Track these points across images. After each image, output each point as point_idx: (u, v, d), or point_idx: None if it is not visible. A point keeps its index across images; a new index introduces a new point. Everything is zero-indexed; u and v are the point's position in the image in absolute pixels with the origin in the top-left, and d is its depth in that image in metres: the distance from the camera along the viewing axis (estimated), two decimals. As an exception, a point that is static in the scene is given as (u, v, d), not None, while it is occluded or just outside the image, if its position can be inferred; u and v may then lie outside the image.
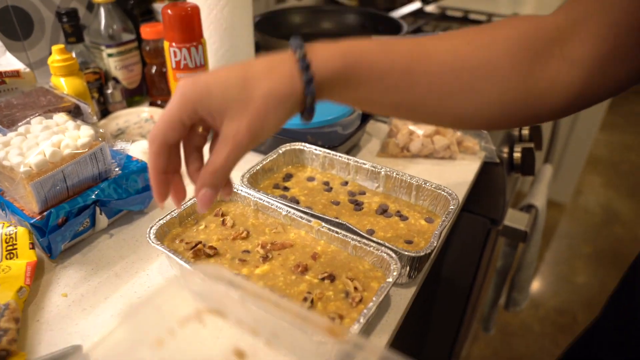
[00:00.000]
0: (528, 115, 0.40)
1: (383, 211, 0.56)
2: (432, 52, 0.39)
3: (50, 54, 0.80)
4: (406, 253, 0.46)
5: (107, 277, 0.52)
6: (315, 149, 0.63)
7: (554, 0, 1.91)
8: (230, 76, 0.35)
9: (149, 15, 0.88)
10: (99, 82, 0.80)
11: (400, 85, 0.38)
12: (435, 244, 0.47)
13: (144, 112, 0.81)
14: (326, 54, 0.37)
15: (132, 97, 0.87)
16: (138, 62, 0.86)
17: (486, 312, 1.22)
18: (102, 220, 0.56)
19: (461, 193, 0.67)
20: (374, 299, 0.41)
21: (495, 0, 1.59)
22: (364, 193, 0.59)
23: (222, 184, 0.38)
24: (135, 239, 0.57)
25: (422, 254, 0.46)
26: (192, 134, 0.39)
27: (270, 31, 1.03)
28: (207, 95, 0.35)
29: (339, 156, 0.62)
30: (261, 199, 0.54)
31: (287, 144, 0.63)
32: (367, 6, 1.41)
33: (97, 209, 0.55)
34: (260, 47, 1.00)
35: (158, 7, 0.87)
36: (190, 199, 0.54)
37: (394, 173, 0.58)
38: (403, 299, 0.49)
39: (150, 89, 0.85)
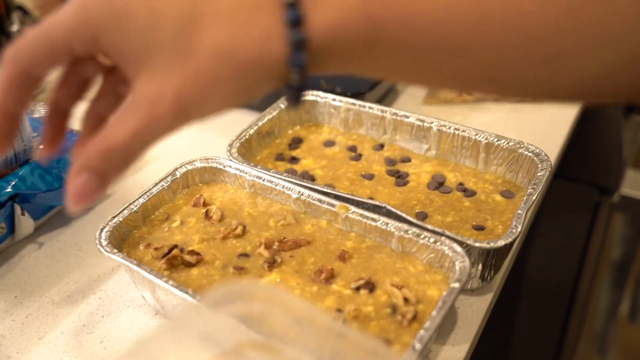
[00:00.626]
0: None
1: (439, 185, 0.58)
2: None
3: None
4: (477, 245, 0.48)
5: (39, 307, 0.54)
6: (334, 99, 0.65)
7: None
8: (170, 4, 0.32)
9: None
10: None
11: (466, 47, 0.35)
12: (519, 229, 0.49)
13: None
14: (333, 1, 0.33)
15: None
16: None
17: (600, 326, 1.25)
18: (26, 223, 0.58)
19: (554, 152, 0.69)
20: (433, 313, 0.43)
21: None
22: (408, 160, 0.62)
23: (117, 174, 0.34)
24: (77, 247, 0.60)
25: (500, 244, 0.48)
26: (83, 66, 0.37)
27: None
28: (124, 23, 0.32)
29: (369, 107, 0.64)
30: (260, 178, 0.56)
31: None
32: None
33: (17, 208, 0.57)
34: None
35: None
36: (159, 182, 0.56)
37: (452, 128, 0.60)
38: (476, 311, 0.52)
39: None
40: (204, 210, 0.56)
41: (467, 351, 0.50)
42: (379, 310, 0.47)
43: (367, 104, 0.64)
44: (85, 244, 0.60)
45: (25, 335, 0.52)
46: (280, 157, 0.63)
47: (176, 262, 0.51)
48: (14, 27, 0.83)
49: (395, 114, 0.62)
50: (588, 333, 1.31)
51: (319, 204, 0.54)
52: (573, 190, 0.89)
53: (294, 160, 0.63)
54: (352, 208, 0.52)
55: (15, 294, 0.56)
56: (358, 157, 0.62)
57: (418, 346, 0.41)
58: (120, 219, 0.52)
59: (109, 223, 0.52)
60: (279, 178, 0.56)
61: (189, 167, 0.58)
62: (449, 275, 0.48)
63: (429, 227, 0.50)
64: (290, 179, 0.56)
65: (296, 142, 0.65)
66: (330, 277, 0.49)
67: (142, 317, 0.53)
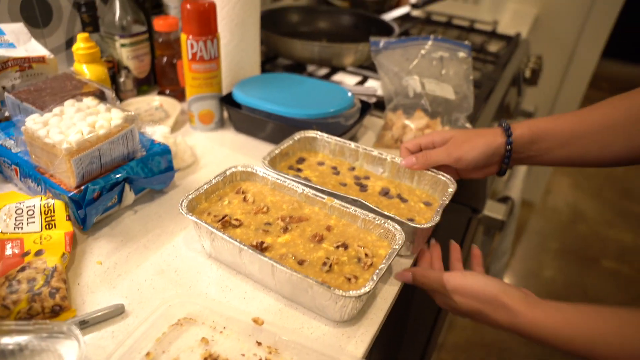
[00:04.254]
0: None
1: (385, 193, 0.62)
2: (589, 120, 0.55)
3: (65, 42, 0.84)
4: (412, 225, 0.52)
5: (136, 248, 0.57)
6: (327, 137, 0.69)
7: (530, 9, 2.02)
8: None
9: (159, 9, 0.93)
10: (112, 70, 0.85)
11: (570, 143, 0.56)
12: (437, 219, 0.54)
13: (155, 101, 0.86)
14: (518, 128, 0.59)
15: (141, 87, 0.92)
16: (148, 53, 0.90)
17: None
18: (129, 196, 0.61)
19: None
20: (384, 262, 0.48)
21: (476, 8, 1.67)
22: (368, 177, 0.66)
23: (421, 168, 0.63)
24: (158, 215, 0.62)
25: (426, 226, 0.53)
26: None
27: (271, 28, 1.09)
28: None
29: (349, 144, 0.68)
30: (278, 179, 0.60)
31: (302, 132, 0.70)
32: (357, 8, 1.48)
33: (127, 186, 0.60)
34: (262, 42, 1.05)
35: (168, 0, 0.92)
36: (215, 177, 0.59)
37: (399, 159, 0.64)
38: (405, 266, 0.56)
39: (159, 79, 0.90)
40: (243, 196, 0.59)
41: (399, 287, 0.54)
42: (350, 260, 0.51)
43: (348, 142, 0.68)
44: (163, 213, 0.63)
45: (129, 264, 0.55)
46: (291, 168, 0.66)
47: (226, 225, 0.54)
48: (122, 79, 0.86)
49: (365, 148, 0.67)
50: None
51: (314, 197, 0.58)
52: (456, 208, 0.93)
53: (299, 170, 0.66)
54: (335, 200, 0.57)
55: (122, 239, 0.58)
56: (337, 173, 0.66)
57: (375, 278, 0.46)
58: (192, 196, 0.55)
59: (187, 197, 0.55)
60: (289, 179, 0.60)
61: (234, 169, 0.61)
62: (392, 243, 0.52)
63: (385, 213, 0.54)
64: (297, 180, 0.60)
65: (301, 161, 0.68)
66: (321, 239, 0.53)
67: (200, 258, 0.56)
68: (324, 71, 1.10)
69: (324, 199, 0.57)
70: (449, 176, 0.61)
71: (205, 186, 0.57)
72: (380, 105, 0.90)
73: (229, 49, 0.85)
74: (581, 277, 2.18)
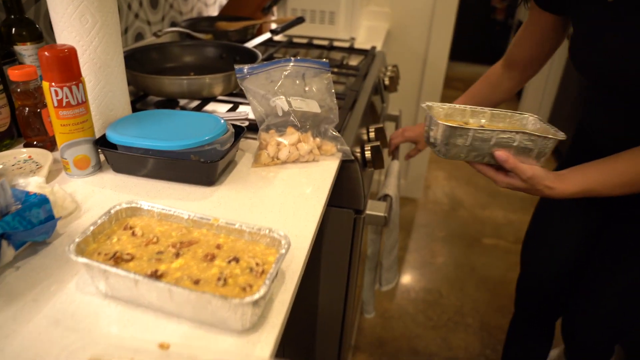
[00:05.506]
0: None
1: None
2: (623, 170, 0.82)
3: None
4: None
5: (23, 305, 0.55)
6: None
7: (382, 24, 2.23)
8: None
9: (12, 57, 0.91)
10: (-32, 129, 0.81)
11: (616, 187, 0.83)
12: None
13: (22, 154, 0.83)
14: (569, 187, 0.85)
15: (2, 142, 0.89)
16: (5, 105, 0.87)
17: (365, 296, 1.38)
18: (9, 252, 0.59)
19: (326, 189, 0.81)
20: (273, 266, 0.53)
21: (333, 28, 1.81)
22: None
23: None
24: (44, 267, 0.61)
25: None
26: None
27: (137, 67, 1.10)
28: None
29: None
30: (164, 209, 0.62)
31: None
32: (221, 39, 1.53)
33: (4, 242, 0.59)
34: (130, 82, 1.06)
35: (20, 49, 0.90)
36: (101, 217, 0.60)
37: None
38: (292, 268, 0.62)
39: (24, 130, 0.88)
40: (131, 231, 0.61)
41: (293, 290, 0.59)
42: (243, 271, 0.55)
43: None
44: (49, 264, 0.61)
45: (17, 323, 0.53)
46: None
47: (119, 260, 0.56)
48: None
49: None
50: (358, 301, 1.44)
51: (201, 220, 0.61)
52: (340, 213, 1.01)
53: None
54: (220, 219, 0.61)
55: (5, 298, 0.56)
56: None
57: (268, 282, 0.51)
58: (80, 239, 0.56)
59: (75, 240, 0.55)
60: (174, 209, 0.63)
61: (119, 207, 0.62)
62: (278, 250, 0.58)
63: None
64: (181, 210, 0.63)
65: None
66: (213, 257, 0.56)
67: (97, 300, 0.56)
68: (195, 103, 1.13)
69: (209, 220, 0.60)
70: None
71: (92, 227, 0.58)
72: (253, 127, 0.96)
73: (96, 92, 0.85)
74: (467, 257, 2.41)
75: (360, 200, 1.01)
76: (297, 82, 0.91)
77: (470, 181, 3.11)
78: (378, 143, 1.04)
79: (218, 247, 0.58)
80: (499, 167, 0.86)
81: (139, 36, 1.47)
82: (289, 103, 0.89)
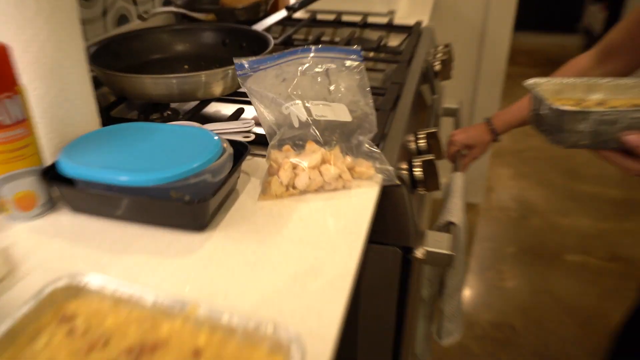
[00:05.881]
0: None
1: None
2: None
3: None
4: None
5: None
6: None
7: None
8: None
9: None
10: None
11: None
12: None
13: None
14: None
15: None
16: None
17: (419, 350, 1.25)
18: None
19: (364, 226, 0.68)
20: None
21: (368, 0, 1.71)
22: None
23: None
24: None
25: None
26: None
27: (112, 62, 0.99)
28: None
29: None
30: (121, 289, 0.49)
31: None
32: (225, 20, 1.42)
33: None
34: (102, 84, 0.95)
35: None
36: (27, 302, 0.47)
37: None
38: (315, 378, 0.48)
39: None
40: (69, 327, 0.48)
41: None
42: (231, 399, 0.42)
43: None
44: None
45: None
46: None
47: (42, 382, 0.43)
48: None
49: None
50: (413, 355, 1.32)
51: (172, 306, 0.48)
52: (382, 251, 0.89)
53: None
54: (201, 306, 0.47)
55: None
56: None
57: None
58: (-14, 348, 0.44)
59: None
60: (136, 286, 0.50)
61: (54, 286, 0.50)
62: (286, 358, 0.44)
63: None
64: (146, 288, 0.50)
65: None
66: (187, 372, 0.43)
67: None
68: (192, 104, 1.02)
69: (185, 307, 0.47)
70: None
71: (10, 323, 0.46)
72: (263, 140, 0.82)
73: (46, 103, 0.74)
74: (546, 280, 2.24)
75: (409, 234, 0.87)
76: (319, 79, 0.79)
77: (543, 180, 2.91)
78: (432, 157, 0.90)
79: (196, 354, 0.45)
80: (627, 151, 0.83)
81: (123, 19, 1.37)
82: (308, 110, 0.77)
